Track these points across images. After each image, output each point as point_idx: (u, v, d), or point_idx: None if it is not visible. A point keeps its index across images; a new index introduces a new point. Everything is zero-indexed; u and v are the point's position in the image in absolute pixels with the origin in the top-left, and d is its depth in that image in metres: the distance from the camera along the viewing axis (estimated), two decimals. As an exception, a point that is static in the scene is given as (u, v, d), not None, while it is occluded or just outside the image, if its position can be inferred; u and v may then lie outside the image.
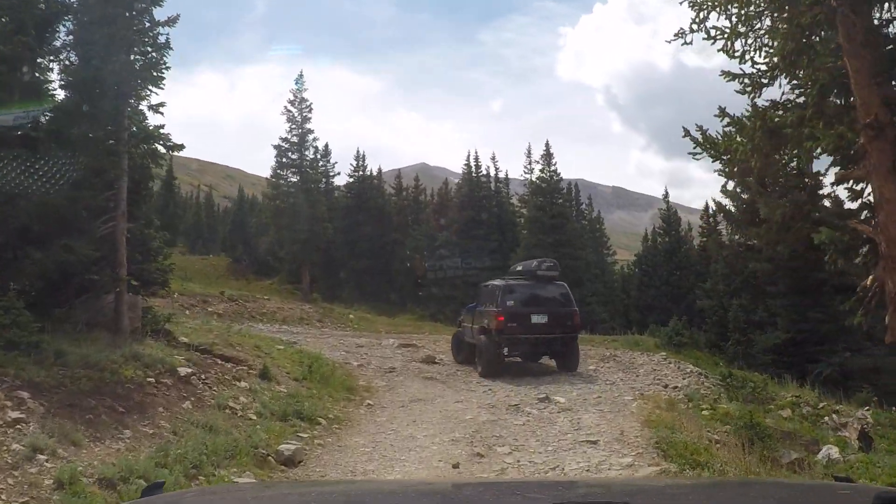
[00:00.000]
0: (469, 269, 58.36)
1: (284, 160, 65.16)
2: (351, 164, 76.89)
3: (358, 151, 78.00)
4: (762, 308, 42.69)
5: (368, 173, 77.22)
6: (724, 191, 47.38)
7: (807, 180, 24.42)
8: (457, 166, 69.57)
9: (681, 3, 21.09)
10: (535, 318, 24.50)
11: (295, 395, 18.86)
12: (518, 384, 23.05)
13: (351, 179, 77.17)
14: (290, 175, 65.56)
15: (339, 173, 75.49)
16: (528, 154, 66.57)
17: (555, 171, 63.42)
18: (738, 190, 44.19)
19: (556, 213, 61.65)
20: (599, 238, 79.37)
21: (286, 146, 65.05)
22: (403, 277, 68.83)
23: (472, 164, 70.67)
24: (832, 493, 3.32)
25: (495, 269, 57.41)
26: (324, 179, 72.20)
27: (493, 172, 71.88)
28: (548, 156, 63.55)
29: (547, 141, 63.73)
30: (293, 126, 64.99)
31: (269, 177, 66.70)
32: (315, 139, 65.89)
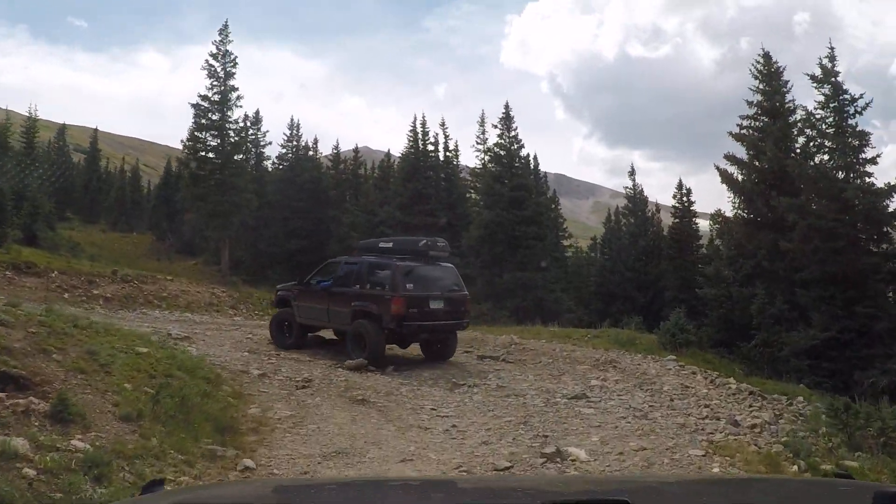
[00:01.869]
0: None
1: (204, 121, 55.47)
2: (284, 134, 69.16)
3: (292, 120, 70.59)
4: (780, 299, 32.45)
5: (303, 144, 69.76)
6: (728, 157, 38.91)
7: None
8: (401, 149, 58.68)
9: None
10: (434, 304, 21.93)
11: (103, 457, 9.39)
12: (495, 412, 16.66)
13: (284, 150, 69.01)
14: (209, 138, 56.08)
15: (270, 143, 68.65)
16: (482, 122, 55.97)
17: (515, 136, 52.70)
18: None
19: (516, 184, 51.00)
20: (555, 220, 68.05)
21: (206, 105, 55.35)
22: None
23: (419, 130, 59.42)
24: (833, 490, 3.18)
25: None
26: (253, 149, 66.28)
27: (441, 140, 61.12)
28: (507, 119, 53.05)
29: (507, 103, 52.42)
30: (215, 82, 55.31)
31: (184, 139, 56.55)
32: (239, 97, 56.15)
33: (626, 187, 65.96)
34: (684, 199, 62.58)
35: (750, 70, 39.32)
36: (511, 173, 52.26)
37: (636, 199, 65.19)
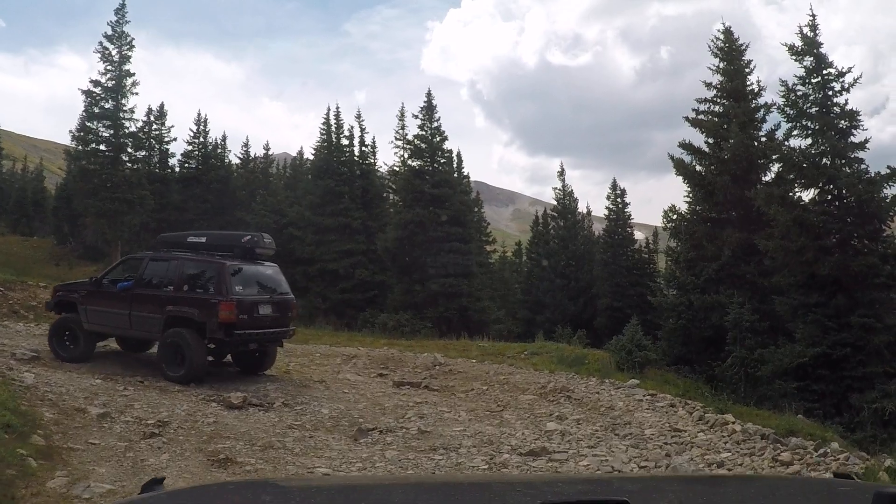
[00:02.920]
0: (325, 253, 47.74)
1: (96, 110, 48.68)
2: (190, 130, 62.01)
3: (199, 115, 63.31)
4: (749, 308, 26.90)
5: (211, 141, 63.19)
6: (684, 145, 33.14)
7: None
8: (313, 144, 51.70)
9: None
10: (262, 310, 18.98)
11: None
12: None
13: (190, 147, 61.60)
14: (101, 128, 49.34)
15: (175, 139, 61.18)
16: (401, 116, 49.24)
17: (437, 128, 46.06)
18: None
19: (439, 180, 44.51)
20: (478, 224, 61.58)
21: (98, 91, 48.48)
22: None
23: (332, 122, 52.35)
24: (832, 491, 3.09)
25: (357, 252, 46.05)
26: (157, 145, 59.99)
27: (357, 134, 53.90)
28: (429, 109, 46.35)
29: (429, 91, 45.99)
30: (109, 67, 48.54)
31: (73, 129, 49.61)
32: (135, 83, 49.55)
33: (555, 188, 60.93)
34: (619, 200, 57.27)
35: (709, 47, 33.68)
36: (433, 168, 45.93)
37: (565, 201, 59.65)
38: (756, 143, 31.70)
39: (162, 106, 59.68)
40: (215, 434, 13.41)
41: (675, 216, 33.73)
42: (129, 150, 51.17)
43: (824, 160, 26.95)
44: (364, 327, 40.10)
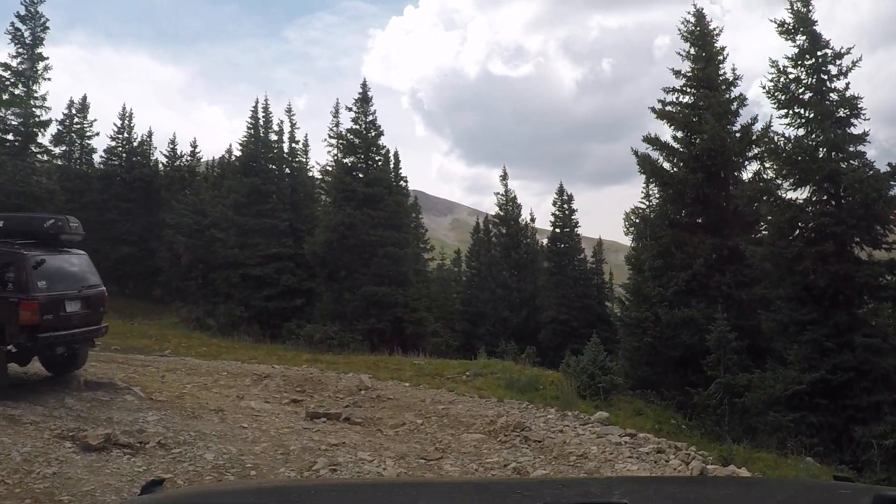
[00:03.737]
0: (249, 257, 43.09)
1: (5, 96, 43.72)
2: (114, 125, 57.21)
3: (124, 109, 58.20)
4: (723, 323, 22.44)
5: (136, 138, 58.71)
6: (650, 139, 28.98)
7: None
8: (239, 138, 46.74)
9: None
10: (70, 307, 16.01)
11: None
12: None
13: (114, 143, 56.95)
14: (9, 116, 44.46)
15: (97, 133, 56.23)
16: (336, 112, 44.43)
17: (373, 121, 41.41)
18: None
19: (373, 178, 39.79)
20: (416, 230, 56.99)
21: (7, 76, 43.74)
22: (170, 268, 50.69)
23: (261, 116, 47.40)
24: (832, 493, 3.10)
25: (284, 257, 43.04)
26: (78, 140, 55.73)
27: (287, 129, 48.81)
28: (364, 101, 41.59)
29: (364, 81, 41.34)
30: (21, 49, 43.83)
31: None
32: (48, 68, 44.87)
33: (497, 193, 56.97)
34: (565, 206, 53.11)
35: (679, 31, 29.52)
36: (366, 166, 41.12)
37: (508, 207, 55.50)
38: (730, 138, 27.60)
39: (84, 98, 55.69)
40: (46, 494, 9.67)
41: (637, 220, 29.48)
42: (42, 141, 46.63)
43: (820, 151, 22.79)
44: (288, 339, 36.25)
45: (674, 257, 26.91)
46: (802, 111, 23.24)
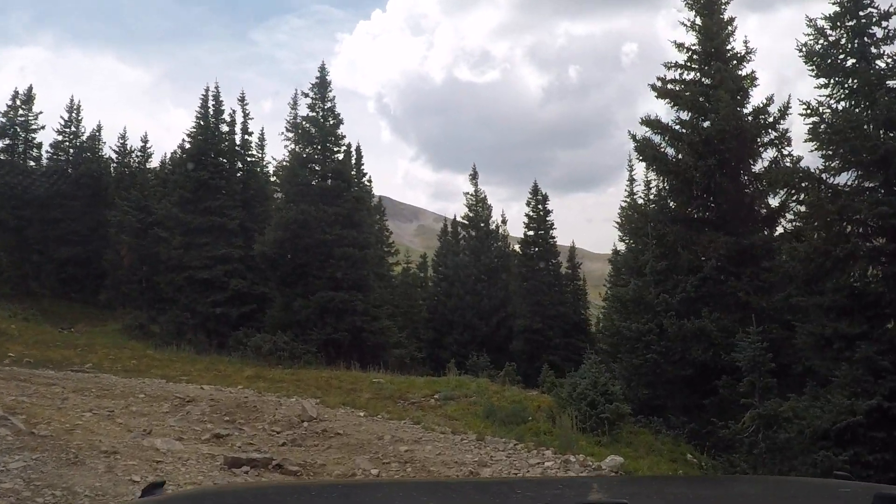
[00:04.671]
0: (195, 259, 38.14)
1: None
2: (61, 119, 52.83)
3: (72, 101, 53.87)
4: (759, 341, 18.09)
5: (84, 132, 54.19)
6: (648, 121, 24.70)
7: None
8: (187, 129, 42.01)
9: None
10: None
11: None
12: None
13: (60, 137, 52.93)
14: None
15: (43, 127, 51.90)
16: (294, 103, 39.54)
17: (332, 108, 36.82)
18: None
19: (332, 170, 35.36)
20: (379, 232, 52.36)
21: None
22: (116, 270, 46.59)
23: (211, 105, 42.43)
24: (832, 492, 2.95)
25: (233, 259, 38.19)
26: (22, 133, 51.21)
27: (239, 119, 43.91)
28: (322, 86, 37.05)
29: (322, 64, 36.73)
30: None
31: None
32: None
33: (467, 193, 52.90)
34: (540, 207, 48.78)
35: (682, -4, 25.12)
36: (324, 157, 36.44)
37: (478, 208, 51.23)
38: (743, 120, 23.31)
39: (30, 90, 51.32)
40: None
41: (635, 214, 25.13)
42: None
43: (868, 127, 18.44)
44: (236, 349, 32.25)
45: (679, 258, 22.58)
46: (846, 80, 18.90)
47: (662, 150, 24.30)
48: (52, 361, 24.39)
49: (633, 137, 24.44)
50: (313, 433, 14.36)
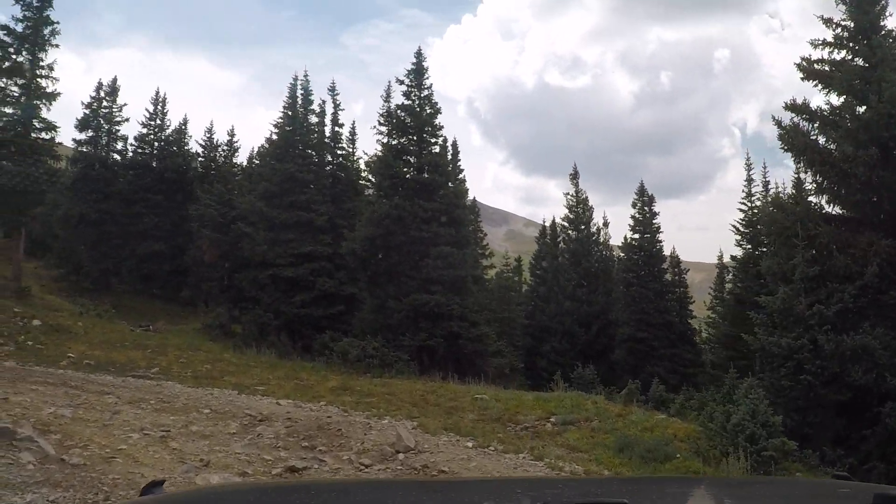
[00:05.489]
0: (280, 256, 35.92)
1: (7, 65, 37.04)
2: (146, 111, 51.62)
3: (158, 93, 52.42)
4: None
5: (169, 125, 52.60)
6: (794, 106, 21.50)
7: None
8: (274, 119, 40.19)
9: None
10: None
11: None
12: None
13: (144, 130, 51.42)
14: (10, 85, 37.36)
15: (127, 119, 49.86)
16: (387, 95, 36.74)
17: (429, 96, 34.35)
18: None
19: (428, 163, 32.95)
20: (474, 232, 49.52)
21: (8, 41, 36.93)
22: (198, 267, 44.47)
23: (299, 95, 40.27)
24: (832, 492, 3.02)
25: (321, 256, 35.91)
26: (105, 125, 48.82)
27: (329, 110, 41.42)
28: (418, 73, 34.56)
29: (419, 49, 34.41)
30: (27, 13, 37.19)
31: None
32: (55, 32, 37.89)
33: (567, 194, 50.07)
34: (646, 209, 45.60)
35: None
36: (420, 149, 33.93)
37: (578, 209, 48.31)
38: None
39: (114, 81, 49.37)
40: None
41: (777, 212, 21.93)
42: (47, 116, 38.79)
43: None
44: (321, 354, 30.10)
45: (835, 263, 19.29)
46: None
47: (813, 138, 21.05)
48: (114, 364, 22.60)
49: (779, 124, 21.25)
50: (411, 469, 11.76)
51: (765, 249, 36.78)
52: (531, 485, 3.68)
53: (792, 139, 20.94)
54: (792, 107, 21.35)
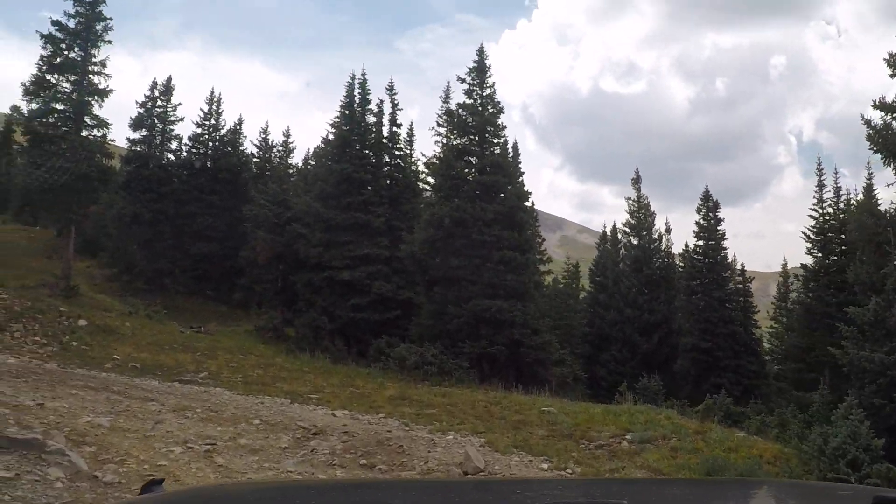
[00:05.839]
0: (336, 258, 35.55)
1: (59, 60, 37.05)
2: (200, 111, 51.37)
3: (213, 93, 52.15)
4: None
5: (224, 125, 52.64)
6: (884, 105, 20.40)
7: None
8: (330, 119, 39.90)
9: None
10: None
11: None
12: None
13: (199, 130, 51.24)
14: (62, 81, 37.35)
15: (181, 119, 49.96)
16: (446, 98, 35.82)
17: (491, 94, 33.41)
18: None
19: (490, 164, 32.05)
20: (533, 238, 48.40)
21: (61, 37, 36.93)
22: (252, 268, 43.62)
23: (356, 94, 39.52)
24: (832, 494, 3.02)
25: (377, 259, 35.42)
26: (159, 124, 48.81)
27: (388, 110, 40.63)
28: (480, 71, 33.79)
29: (481, 47, 33.31)
30: (80, 8, 37.10)
31: (25, 82, 37.01)
32: (108, 29, 37.81)
33: (629, 198, 49.01)
34: (710, 215, 44.27)
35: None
36: (482, 149, 33.07)
37: (640, 215, 47.09)
38: None
39: (169, 80, 49.20)
40: None
41: (869, 219, 20.62)
42: (98, 112, 38.76)
43: None
44: (377, 360, 29.53)
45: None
46: None
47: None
48: (161, 368, 22.07)
49: (868, 123, 19.96)
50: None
51: (836, 258, 35.36)
52: (531, 485, 3.72)
53: (883, 139, 19.61)
54: (882, 105, 20.06)
